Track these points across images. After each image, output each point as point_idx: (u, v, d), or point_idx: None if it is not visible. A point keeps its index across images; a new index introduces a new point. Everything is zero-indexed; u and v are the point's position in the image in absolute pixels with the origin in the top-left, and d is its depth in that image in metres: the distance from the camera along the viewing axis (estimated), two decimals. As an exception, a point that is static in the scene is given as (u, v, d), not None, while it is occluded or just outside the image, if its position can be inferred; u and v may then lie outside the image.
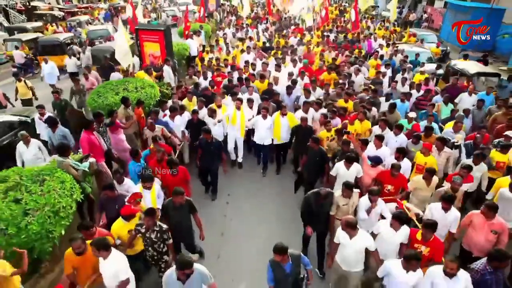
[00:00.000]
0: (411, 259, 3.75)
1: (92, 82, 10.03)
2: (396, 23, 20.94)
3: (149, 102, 8.23)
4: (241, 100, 7.59)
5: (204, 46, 14.50)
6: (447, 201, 4.66)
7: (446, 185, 5.59)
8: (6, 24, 21.17)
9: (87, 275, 3.89)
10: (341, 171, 5.70)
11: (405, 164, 5.86)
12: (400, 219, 4.30)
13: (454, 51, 18.01)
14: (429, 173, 5.36)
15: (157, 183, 5.32)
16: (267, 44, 14.13)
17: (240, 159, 8.13)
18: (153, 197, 5.14)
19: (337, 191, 5.05)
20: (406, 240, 4.37)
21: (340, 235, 4.23)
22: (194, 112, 7.36)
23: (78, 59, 13.02)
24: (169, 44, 10.70)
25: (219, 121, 7.50)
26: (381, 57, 12.28)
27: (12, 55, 15.62)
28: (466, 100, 8.86)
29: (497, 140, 6.69)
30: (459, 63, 11.72)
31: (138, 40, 10.63)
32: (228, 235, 6.15)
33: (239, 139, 7.77)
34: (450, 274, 3.66)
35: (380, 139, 6.22)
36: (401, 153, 5.78)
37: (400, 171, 5.42)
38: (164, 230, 4.37)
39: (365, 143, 6.34)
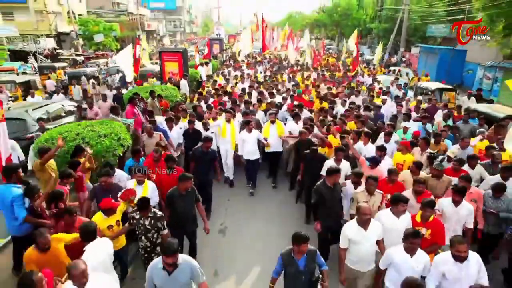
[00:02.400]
0: (409, 236, 3.50)
1: (96, 112, 9.83)
2: (378, 64, 24.13)
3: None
4: (230, 113, 7.59)
5: (209, 76, 17.08)
6: (457, 193, 4.42)
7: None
8: (36, 64, 24.11)
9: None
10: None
11: (387, 162, 5.97)
12: (400, 199, 4.14)
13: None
14: (416, 166, 5.34)
15: (150, 183, 5.17)
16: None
17: (231, 176, 7.85)
18: (145, 192, 4.95)
19: (360, 187, 4.94)
20: (410, 226, 4.11)
21: (352, 231, 3.92)
22: (190, 122, 7.35)
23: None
24: (186, 63, 13.25)
25: (212, 132, 7.44)
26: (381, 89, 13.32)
27: (45, 84, 18.20)
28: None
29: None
30: (423, 83, 14.31)
31: (161, 60, 13.17)
32: (226, 247, 5.82)
33: (230, 152, 7.58)
34: (460, 258, 3.34)
35: (367, 135, 6.58)
36: (382, 150, 5.92)
37: (397, 177, 5.21)
38: (159, 217, 4.24)
39: (357, 134, 6.60)
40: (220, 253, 5.66)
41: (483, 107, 9.61)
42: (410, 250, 3.54)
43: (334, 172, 4.86)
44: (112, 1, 54.81)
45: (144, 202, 4.17)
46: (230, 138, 7.48)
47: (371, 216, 4.02)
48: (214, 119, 7.91)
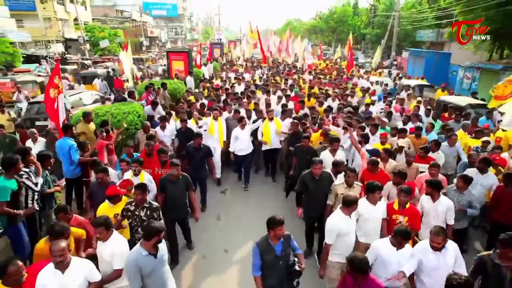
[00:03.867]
0: (398, 235, 3.52)
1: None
2: (375, 67, 25.65)
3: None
4: (218, 110, 7.70)
5: (210, 77, 18.58)
6: (429, 185, 4.50)
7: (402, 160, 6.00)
8: (49, 67, 25.71)
9: None
10: (328, 160, 5.66)
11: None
12: (374, 186, 4.20)
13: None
14: (386, 152, 5.75)
15: (147, 174, 5.32)
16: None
17: (218, 175, 7.76)
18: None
19: (338, 179, 4.92)
20: (385, 214, 4.32)
21: (340, 224, 3.87)
22: (183, 121, 7.44)
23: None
24: (191, 62, 14.78)
25: (200, 127, 7.51)
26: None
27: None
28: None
29: None
30: (405, 81, 15.85)
31: (168, 59, 14.72)
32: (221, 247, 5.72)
33: (217, 150, 7.58)
34: (438, 248, 3.46)
35: (362, 129, 6.86)
36: (364, 138, 6.34)
37: (378, 166, 5.29)
38: (155, 208, 4.22)
39: (365, 137, 6.48)
40: (213, 241, 5.82)
41: (449, 98, 11.10)
42: (397, 244, 3.58)
43: (316, 162, 4.90)
44: (115, 8, 56.83)
45: (142, 186, 4.21)
46: (217, 136, 7.56)
47: None
48: (199, 119, 7.85)
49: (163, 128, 7.45)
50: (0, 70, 22.50)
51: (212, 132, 7.49)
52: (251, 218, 6.50)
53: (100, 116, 7.30)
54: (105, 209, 4.26)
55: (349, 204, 3.85)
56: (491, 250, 3.52)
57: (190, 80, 13.96)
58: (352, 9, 45.86)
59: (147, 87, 9.73)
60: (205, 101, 9.73)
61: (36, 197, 4.49)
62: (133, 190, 4.39)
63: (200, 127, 7.49)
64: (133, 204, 4.18)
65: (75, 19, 37.77)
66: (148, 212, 4.17)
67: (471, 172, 5.42)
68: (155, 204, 4.30)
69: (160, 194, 5.00)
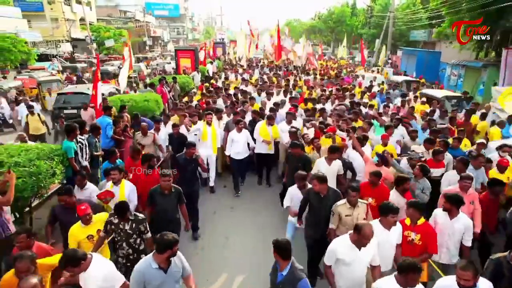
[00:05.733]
0: (405, 270, 2.86)
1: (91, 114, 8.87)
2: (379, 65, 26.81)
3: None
4: (211, 115, 7.26)
5: (214, 73, 19.88)
6: (448, 201, 3.97)
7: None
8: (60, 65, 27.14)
9: None
10: (323, 169, 5.09)
11: (367, 150, 6.07)
12: (389, 209, 3.67)
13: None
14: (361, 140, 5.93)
15: (128, 183, 4.90)
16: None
17: (212, 183, 7.38)
18: (122, 194, 4.68)
19: (341, 200, 4.26)
20: (400, 239, 3.80)
21: (344, 250, 3.36)
22: (174, 126, 7.03)
23: None
24: (197, 59, 16.16)
25: (195, 134, 7.16)
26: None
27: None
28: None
29: None
30: (394, 77, 17.23)
31: (176, 56, 16.10)
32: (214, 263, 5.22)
33: (211, 157, 7.20)
34: (467, 287, 2.79)
35: (366, 130, 6.78)
36: (364, 139, 6.16)
37: (381, 178, 4.71)
38: (141, 220, 3.88)
39: (365, 139, 6.22)
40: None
41: (429, 91, 12.49)
42: (407, 284, 2.90)
43: (321, 179, 4.28)
44: (119, 9, 58.23)
45: (122, 207, 3.81)
46: (211, 142, 7.10)
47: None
48: (194, 123, 7.47)
49: (157, 130, 7.11)
50: (15, 68, 23.91)
51: (205, 138, 7.08)
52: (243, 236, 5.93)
53: (125, 102, 8.65)
54: (77, 231, 3.88)
55: (364, 241, 3.26)
56: (507, 251, 3.32)
57: (196, 76, 15.29)
58: (350, 9, 47.16)
59: (161, 80, 11.06)
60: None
61: (86, 156, 5.90)
62: (112, 205, 4.17)
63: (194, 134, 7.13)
64: (116, 217, 3.84)
65: (81, 19, 39.15)
66: (134, 225, 3.85)
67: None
68: (141, 216, 3.98)
69: (148, 207, 4.63)
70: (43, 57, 30.40)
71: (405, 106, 10.09)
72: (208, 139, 7.09)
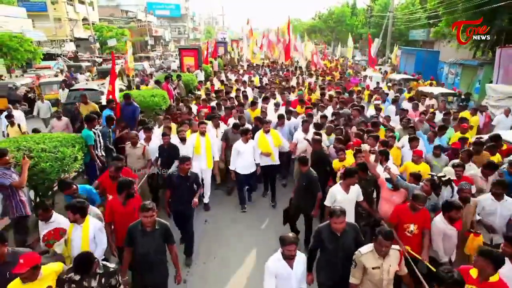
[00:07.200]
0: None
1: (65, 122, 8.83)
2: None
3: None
4: (205, 124, 6.50)
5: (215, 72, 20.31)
6: (496, 185, 3.79)
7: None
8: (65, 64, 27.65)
9: None
10: (339, 197, 4.36)
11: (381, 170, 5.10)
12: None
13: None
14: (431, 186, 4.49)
15: (93, 219, 3.84)
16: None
17: (206, 199, 6.64)
18: (85, 235, 3.64)
19: (365, 246, 3.33)
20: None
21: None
22: (164, 135, 6.16)
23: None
24: (200, 58, 16.64)
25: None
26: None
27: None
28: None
29: None
30: (392, 75, 17.68)
31: (180, 55, 16.59)
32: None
33: (206, 171, 6.46)
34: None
35: (375, 138, 5.83)
36: (384, 155, 5.24)
37: (423, 205, 3.90)
38: (111, 272, 3.12)
39: (385, 154, 5.24)
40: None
41: (426, 88, 12.94)
42: None
43: (338, 214, 3.41)
44: (121, 9, 58.76)
45: (84, 262, 2.96)
46: (205, 155, 6.32)
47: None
48: (195, 131, 6.64)
49: (147, 140, 6.38)
50: (21, 67, 24.40)
51: (199, 151, 6.26)
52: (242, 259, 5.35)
53: (134, 97, 9.10)
54: None
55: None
56: None
57: (200, 74, 15.76)
58: (350, 9, 47.64)
59: (166, 77, 11.51)
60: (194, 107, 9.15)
61: (101, 145, 6.42)
62: (64, 246, 3.50)
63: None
64: (75, 274, 2.98)
65: (83, 19, 39.66)
66: (103, 280, 3.05)
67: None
68: (112, 266, 3.23)
69: (127, 248, 3.66)
70: (47, 57, 30.97)
71: (417, 109, 9.02)
72: (202, 152, 6.29)
